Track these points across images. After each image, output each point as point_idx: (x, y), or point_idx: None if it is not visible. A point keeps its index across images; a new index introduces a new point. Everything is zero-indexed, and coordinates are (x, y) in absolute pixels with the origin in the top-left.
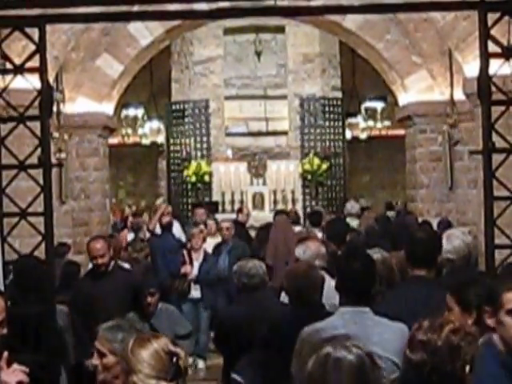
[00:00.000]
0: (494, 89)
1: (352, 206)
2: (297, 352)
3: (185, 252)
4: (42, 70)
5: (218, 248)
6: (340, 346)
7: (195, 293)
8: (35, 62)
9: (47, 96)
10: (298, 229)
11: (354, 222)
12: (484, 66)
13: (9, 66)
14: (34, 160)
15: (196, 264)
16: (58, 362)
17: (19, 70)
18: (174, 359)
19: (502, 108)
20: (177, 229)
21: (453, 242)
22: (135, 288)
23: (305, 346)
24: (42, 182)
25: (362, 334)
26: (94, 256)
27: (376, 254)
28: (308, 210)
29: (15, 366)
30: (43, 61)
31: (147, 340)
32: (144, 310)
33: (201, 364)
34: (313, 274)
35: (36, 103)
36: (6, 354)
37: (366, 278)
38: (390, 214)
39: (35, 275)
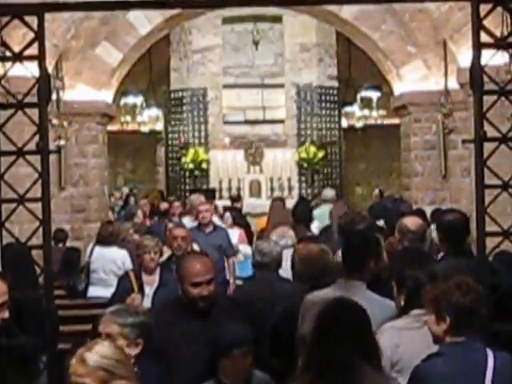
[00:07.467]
0: (486, 79)
1: (327, 193)
2: (302, 316)
3: (131, 274)
4: (40, 58)
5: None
6: None
7: None
8: (34, 50)
9: (45, 83)
10: None
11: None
12: (476, 56)
13: (8, 53)
14: (32, 146)
15: (149, 292)
16: (53, 345)
17: (18, 57)
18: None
19: (494, 97)
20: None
21: None
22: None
23: (310, 309)
24: (39, 168)
25: None
26: (196, 282)
27: None
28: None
29: None
30: (41, 49)
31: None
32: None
33: None
34: (326, 257)
35: (34, 90)
36: None
37: (359, 253)
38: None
39: (15, 261)
